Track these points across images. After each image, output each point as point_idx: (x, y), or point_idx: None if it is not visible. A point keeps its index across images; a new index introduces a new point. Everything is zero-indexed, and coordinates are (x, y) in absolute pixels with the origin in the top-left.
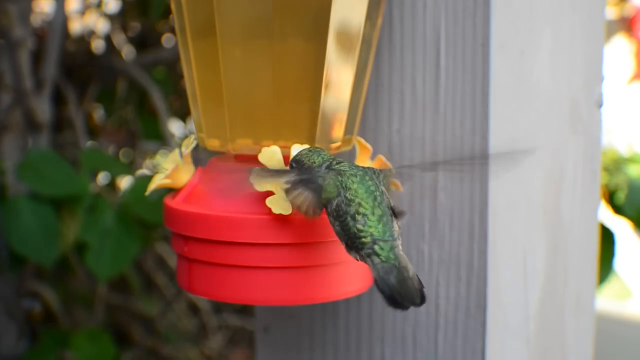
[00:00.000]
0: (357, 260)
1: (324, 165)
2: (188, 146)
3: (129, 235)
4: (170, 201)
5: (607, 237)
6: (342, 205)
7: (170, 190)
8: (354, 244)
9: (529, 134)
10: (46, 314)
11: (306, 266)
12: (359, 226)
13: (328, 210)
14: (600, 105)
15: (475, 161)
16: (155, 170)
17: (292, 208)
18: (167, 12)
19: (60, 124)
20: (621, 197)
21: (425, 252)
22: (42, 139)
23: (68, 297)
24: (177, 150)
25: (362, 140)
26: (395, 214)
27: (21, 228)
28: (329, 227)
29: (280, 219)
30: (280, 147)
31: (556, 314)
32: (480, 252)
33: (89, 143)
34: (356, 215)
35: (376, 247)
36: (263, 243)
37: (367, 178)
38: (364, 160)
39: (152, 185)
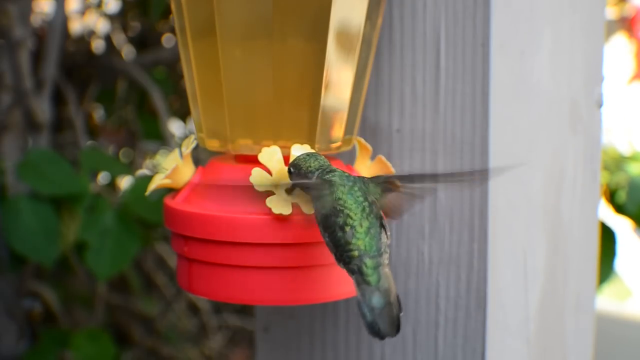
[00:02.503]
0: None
1: (318, 172)
2: (188, 146)
3: (129, 235)
4: (170, 201)
5: (608, 237)
6: (331, 216)
7: (170, 190)
8: (342, 256)
9: (529, 134)
10: (46, 314)
11: (306, 266)
12: (347, 238)
13: (317, 219)
14: (600, 105)
15: (475, 175)
16: (155, 170)
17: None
18: (167, 12)
19: (60, 124)
20: (622, 195)
21: (425, 252)
22: (42, 139)
23: (68, 297)
24: (177, 150)
25: (362, 140)
26: (384, 225)
27: (21, 228)
28: None
29: (280, 219)
30: (280, 147)
31: (556, 314)
32: (480, 252)
33: (89, 143)
34: (345, 227)
35: (362, 266)
36: (263, 243)
37: (356, 189)
38: (364, 160)
39: (152, 185)
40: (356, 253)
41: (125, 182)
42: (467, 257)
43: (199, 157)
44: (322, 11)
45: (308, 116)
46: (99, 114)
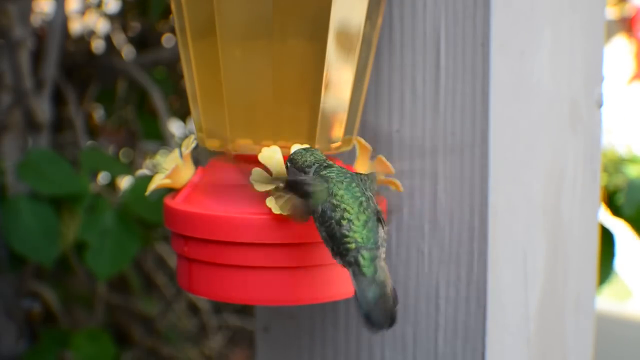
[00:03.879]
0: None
1: (314, 167)
2: (188, 146)
3: (129, 235)
4: (170, 201)
5: (606, 238)
6: (328, 211)
7: (170, 190)
8: (338, 249)
9: (529, 134)
10: (46, 314)
11: (306, 266)
12: (344, 231)
13: (314, 216)
14: (600, 105)
15: None
16: (155, 170)
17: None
18: (167, 12)
19: (60, 124)
20: (620, 198)
21: (425, 252)
22: (42, 139)
23: (68, 297)
24: (177, 150)
25: (362, 140)
26: (382, 220)
27: (21, 228)
28: None
29: (280, 219)
30: (280, 147)
31: (556, 314)
32: (480, 252)
33: (89, 143)
34: (341, 221)
35: (359, 257)
36: (263, 243)
37: (353, 185)
38: (363, 160)
39: (152, 185)
40: (353, 245)
41: (125, 182)
42: (467, 257)
43: (199, 157)
44: (322, 11)
45: (308, 116)
46: (99, 114)
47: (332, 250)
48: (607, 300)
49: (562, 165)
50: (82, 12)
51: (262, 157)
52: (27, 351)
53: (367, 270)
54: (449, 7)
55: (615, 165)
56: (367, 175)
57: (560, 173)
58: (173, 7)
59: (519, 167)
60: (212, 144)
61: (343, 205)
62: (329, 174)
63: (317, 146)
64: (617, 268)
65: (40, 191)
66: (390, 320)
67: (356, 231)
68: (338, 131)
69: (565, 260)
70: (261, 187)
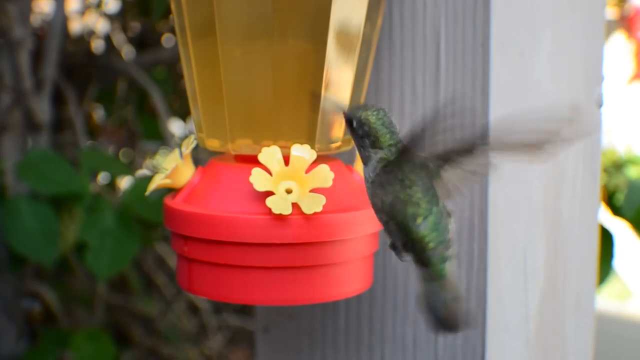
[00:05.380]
0: (401, 259)
1: (385, 151)
2: (188, 146)
3: (129, 235)
4: (170, 201)
5: (606, 238)
6: (398, 205)
7: (170, 190)
8: (414, 247)
9: None
10: (46, 314)
11: (306, 266)
12: (422, 230)
13: (379, 206)
14: (600, 105)
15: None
16: (155, 170)
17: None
18: (167, 12)
19: (60, 124)
20: (620, 198)
21: None
22: (42, 139)
23: (68, 297)
24: (177, 150)
25: None
26: (449, 212)
27: (21, 228)
28: (329, 227)
29: (280, 219)
30: (280, 147)
31: (556, 314)
32: (480, 252)
33: (89, 143)
34: (417, 217)
35: (434, 258)
36: (263, 243)
37: (422, 173)
38: None
39: (152, 185)
40: (431, 245)
41: (125, 182)
42: (467, 256)
43: (199, 157)
44: (322, 11)
45: (308, 116)
46: (99, 114)
47: (404, 246)
48: (607, 300)
49: (562, 165)
50: (82, 12)
51: (262, 157)
52: (27, 351)
53: (442, 273)
54: (449, 7)
55: (615, 165)
56: (431, 160)
57: (560, 173)
58: (173, 7)
59: (518, 166)
60: (212, 144)
61: (415, 199)
62: (402, 165)
63: (317, 146)
64: (617, 268)
65: (40, 191)
66: (467, 321)
67: (433, 229)
68: (338, 131)
69: (565, 260)
70: (261, 187)
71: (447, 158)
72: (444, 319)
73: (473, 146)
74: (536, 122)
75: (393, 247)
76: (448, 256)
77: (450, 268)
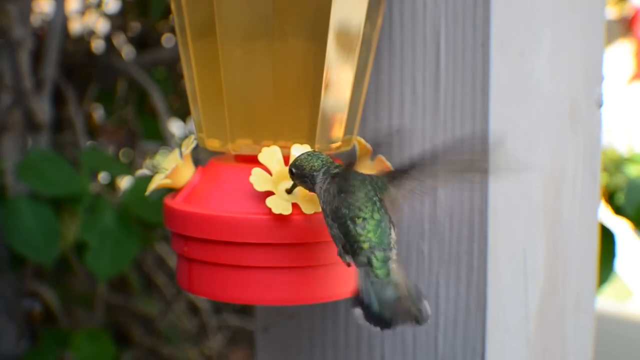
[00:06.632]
0: (347, 265)
1: (323, 170)
2: (188, 146)
3: (129, 235)
4: (170, 201)
5: (607, 238)
6: (342, 209)
7: (170, 190)
8: (351, 247)
9: (529, 134)
10: (46, 314)
11: (306, 266)
12: (359, 230)
13: (326, 212)
14: (600, 105)
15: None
16: (155, 170)
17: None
18: (167, 12)
19: (60, 124)
20: (621, 197)
21: (425, 251)
22: (42, 139)
23: (68, 297)
24: (177, 150)
25: (362, 140)
26: (392, 221)
27: (21, 228)
28: None
29: (280, 219)
30: (280, 147)
31: (556, 314)
32: (480, 252)
33: (89, 143)
34: (356, 219)
35: (372, 258)
36: (263, 243)
37: (366, 183)
38: (364, 160)
39: (152, 185)
40: (367, 245)
41: (125, 182)
42: (467, 256)
43: (199, 157)
44: (322, 11)
45: (308, 116)
46: (99, 114)
47: (343, 248)
48: (607, 300)
49: (562, 165)
50: (82, 12)
51: (262, 157)
52: (27, 351)
53: (380, 271)
54: (449, 7)
55: (615, 165)
56: (378, 177)
57: (560, 173)
58: (173, 7)
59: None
60: (212, 144)
61: (357, 204)
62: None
63: (317, 146)
64: (617, 268)
65: (40, 191)
66: (413, 318)
67: (370, 230)
68: (338, 131)
69: (565, 260)
70: (261, 187)
71: (393, 177)
72: (378, 315)
73: (407, 171)
74: (455, 153)
75: (340, 253)
76: (389, 257)
77: (391, 269)
